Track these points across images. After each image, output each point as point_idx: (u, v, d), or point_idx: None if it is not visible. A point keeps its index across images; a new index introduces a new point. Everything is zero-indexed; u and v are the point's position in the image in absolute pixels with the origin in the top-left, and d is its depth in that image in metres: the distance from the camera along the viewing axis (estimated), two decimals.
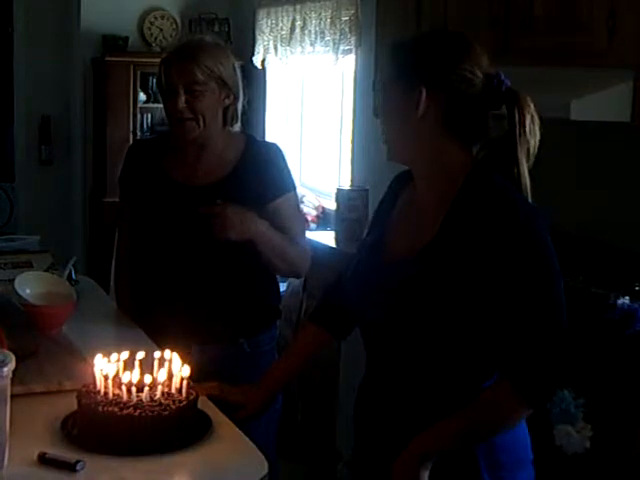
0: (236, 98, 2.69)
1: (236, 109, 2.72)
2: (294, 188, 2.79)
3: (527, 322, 1.74)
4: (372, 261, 1.96)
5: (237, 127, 2.77)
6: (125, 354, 2.02)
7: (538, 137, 1.85)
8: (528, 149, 1.83)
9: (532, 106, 1.84)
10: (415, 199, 1.94)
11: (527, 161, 1.84)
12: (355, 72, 5.00)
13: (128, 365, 2.00)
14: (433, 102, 1.81)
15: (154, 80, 6.17)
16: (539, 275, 1.74)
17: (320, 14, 5.18)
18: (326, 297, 2.28)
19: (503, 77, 1.85)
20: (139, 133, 6.18)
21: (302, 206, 4.76)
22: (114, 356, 2.01)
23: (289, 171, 2.78)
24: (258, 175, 2.68)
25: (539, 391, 1.75)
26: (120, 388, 1.93)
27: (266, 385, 2.25)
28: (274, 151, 2.77)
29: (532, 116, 1.83)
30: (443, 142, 1.84)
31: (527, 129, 1.82)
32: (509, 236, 1.74)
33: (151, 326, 2.70)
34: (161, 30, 6.34)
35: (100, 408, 1.89)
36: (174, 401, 1.94)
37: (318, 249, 4.29)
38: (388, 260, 1.91)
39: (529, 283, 1.74)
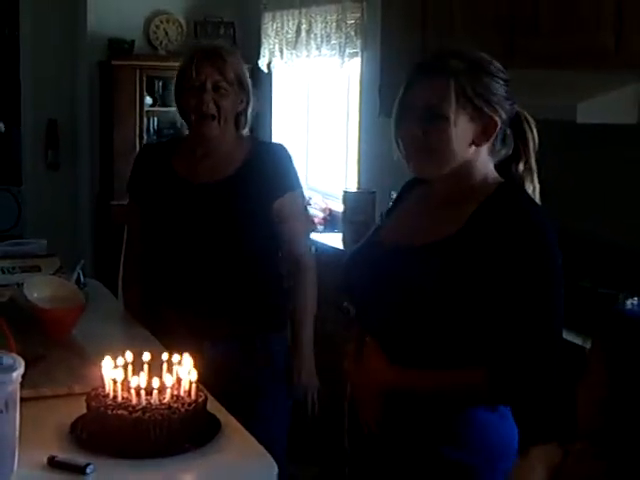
0: (248, 104, 2.77)
1: (247, 115, 2.79)
2: (299, 188, 2.82)
3: (524, 330, 1.82)
4: (376, 251, 2.02)
5: (245, 131, 2.83)
6: (129, 355, 2.03)
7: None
8: (530, 166, 1.96)
9: (534, 128, 1.96)
10: (432, 194, 2.01)
11: (532, 179, 1.96)
12: (361, 75, 5.01)
13: (137, 368, 2.01)
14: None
15: (160, 83, 6.19)
16: (543, 288, 1.84)
17: (326, 18, 5.18)
18: None
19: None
20: (145, 136, 6.18)
21: (309, 208, 4.76)
22: (121, 359, 2.01)
23: (295, 171, 2.82)
24: (263, 174, 2.72)
25: (506, 391, 1.83)
26: (129, 391, 1.94)
27: None
28: (279, 152, 2.82)
29: (534, 137, 1.97)
30: (488, 160, 1.95)
31: (530, 149, 1.96)
32: (525, 248, 1.83)
33: (160, 324, 2.73)
34: (167, 34, 6.34)
35: (109, 411, 1.90)
36: (183, 404, 1.94)
37: (325, 251, 4.30)
38: (395, 248, 1.97)
39: (534, 293, 1.83)
